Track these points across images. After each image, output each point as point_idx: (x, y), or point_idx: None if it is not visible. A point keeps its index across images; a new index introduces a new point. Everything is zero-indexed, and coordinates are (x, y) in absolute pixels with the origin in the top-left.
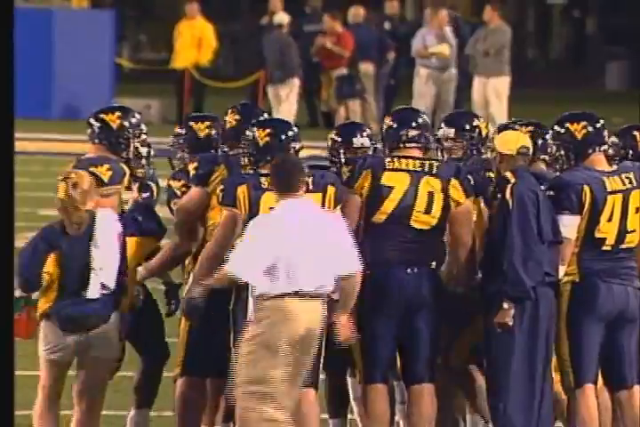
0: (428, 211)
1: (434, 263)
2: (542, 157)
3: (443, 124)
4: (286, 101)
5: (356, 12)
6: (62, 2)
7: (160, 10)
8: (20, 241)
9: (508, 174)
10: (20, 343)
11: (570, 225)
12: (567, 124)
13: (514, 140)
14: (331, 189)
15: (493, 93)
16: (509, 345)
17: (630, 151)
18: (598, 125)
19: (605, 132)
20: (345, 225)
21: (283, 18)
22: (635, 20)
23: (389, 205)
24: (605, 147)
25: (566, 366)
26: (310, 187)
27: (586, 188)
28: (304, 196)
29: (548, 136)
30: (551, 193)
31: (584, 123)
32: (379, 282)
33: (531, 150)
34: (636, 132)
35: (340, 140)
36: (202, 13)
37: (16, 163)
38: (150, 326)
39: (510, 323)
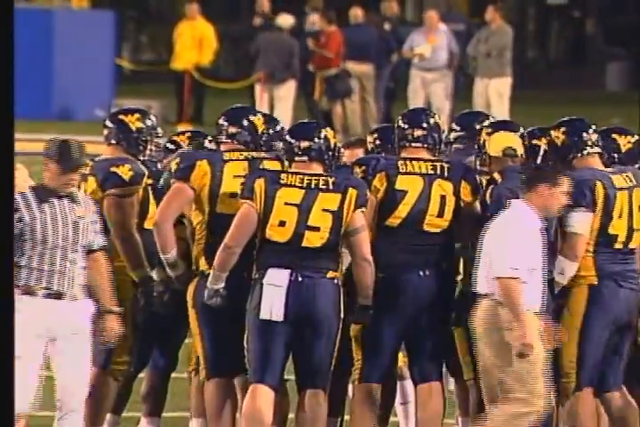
0: (440, 214)
1: (445, 265)
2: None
3: (454, 125)
4: (283, 102)
5: (355, 13)
6: (62, 2)
7: (160, 10)
8: None
9: (496, 175)
10: None
11: (582, 221)
12: (551, 131)
13: (499, 143)
14: (352, 192)
15: (495, 94)
16: None
17: (615, 155)
18: (580, 131)
19: (592, 137)
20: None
21: (286, 20)
22: (635, 21)
23: (404, 210)
24: (594, 150)
25: (569, 369)
26: (330, 187)
27: (598, 183)
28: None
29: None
30: None
31: (563, 129)
32: (391, 284)
33: (519, 151)
34: (614, 135)
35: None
36: (202, 14)
37: (16, 163)
38: (169, 335)
39: None
